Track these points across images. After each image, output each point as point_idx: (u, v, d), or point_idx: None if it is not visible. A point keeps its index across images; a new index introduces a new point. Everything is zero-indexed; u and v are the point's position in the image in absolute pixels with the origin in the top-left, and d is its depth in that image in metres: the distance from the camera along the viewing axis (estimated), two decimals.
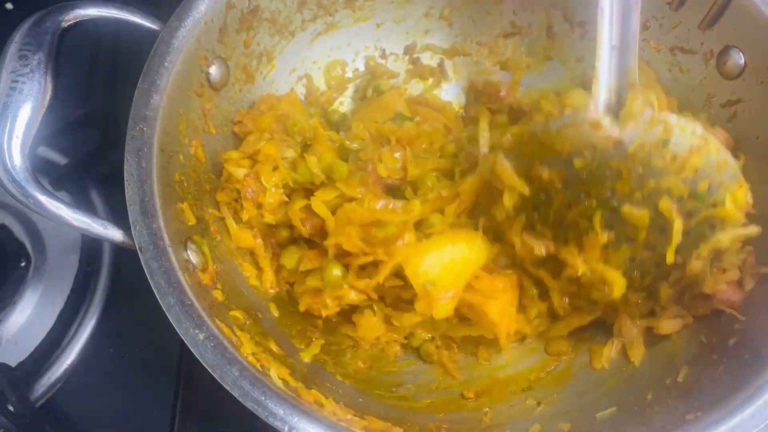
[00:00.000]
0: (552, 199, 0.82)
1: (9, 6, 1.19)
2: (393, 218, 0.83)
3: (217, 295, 0.78)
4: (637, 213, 0.77)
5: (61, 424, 0.88)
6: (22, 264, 0.97)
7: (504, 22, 1.08)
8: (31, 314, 0.93)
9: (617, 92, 0.77)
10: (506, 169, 0.83)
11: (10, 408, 0.80)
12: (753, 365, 0.72)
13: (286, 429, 0.63)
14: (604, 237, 0.80)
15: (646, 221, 0.77)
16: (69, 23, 0.78)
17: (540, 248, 0.85)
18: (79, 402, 0.90)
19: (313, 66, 1.05)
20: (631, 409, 0.80)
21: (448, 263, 0.82)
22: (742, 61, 0.89)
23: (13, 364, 0.88)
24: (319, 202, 0.85)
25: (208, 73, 0.86)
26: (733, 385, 0.71)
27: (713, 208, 0.76)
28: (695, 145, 0.74)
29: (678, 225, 0.76)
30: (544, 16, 1.06)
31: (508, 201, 0.84)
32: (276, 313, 0.89)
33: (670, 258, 0.77)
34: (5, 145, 0.69)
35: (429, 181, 0.88)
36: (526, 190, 0.83)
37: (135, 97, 0.77)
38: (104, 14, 0.81)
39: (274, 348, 0.81)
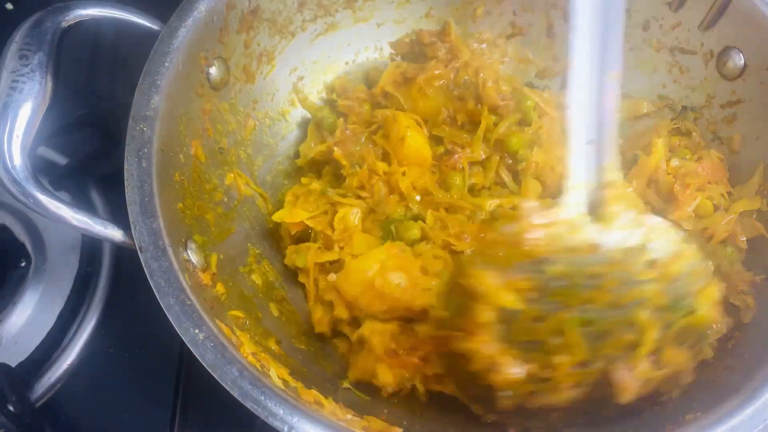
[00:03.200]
0: (520, 314, 0.69)
1: (9, 6, 1.19)
2: None
3: (217, 294, 0.78)
4: (615, 323, 0.68)
5: (61, 424, 0.88)
6: (22, 264, 0.97)
7: (504, 22, 1.09)
8: (31, 314, 0.93)
9: (594, 191, 0.70)
10: (484, 276, 0.68)
11: (10, 408, 0.80)
12: (752, 366, 0.72)
13: (285, 429, 0.63)
14: (581, 353, 0.68)
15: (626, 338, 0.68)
16: (69, 23, 0.78)
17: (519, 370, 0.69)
18: (79, 402, 0.90)
19: (314, 66, 1.05)
20: (632, 409, 0.80)
21: None
22: (742, 61, 0.89)
23: (13, 364, 0.88)
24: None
25: (208, 73, 0.86)
26: (732, 386, 0.71)
27: (690, 316, 0.69)
28: (675, 250, 0.69)
29: (651, 336, 0.68)
30: (544, 16, 1.06)
31: (484, 315, 0.68)
32: (276, 313, 0.89)
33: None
34: (5, 145, 0.69)
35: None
36: (511, 302, 0.68)
37: (135, 97, 0.77)
38: (104, 14, 0.81)
39: (274, 348, 0.81)
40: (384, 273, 0.82)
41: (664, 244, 0.69)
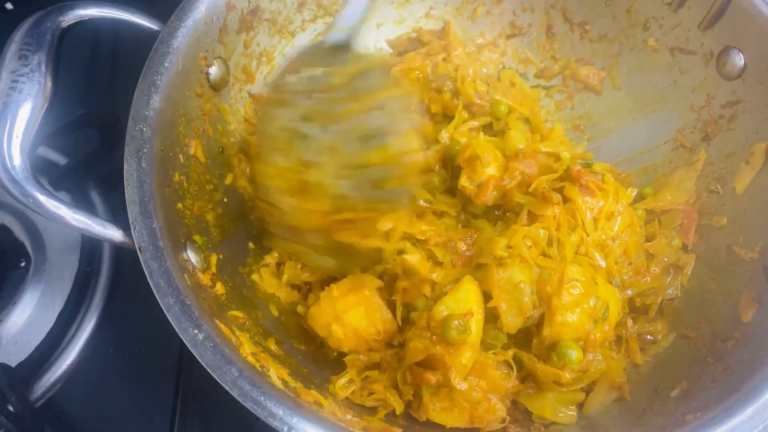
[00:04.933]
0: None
1: (9, 6, 1.19)
2: None
3: (217, 294, 0.78)
4: None
5: (61, 424, 0.88)
6: (22, 264, 0.97)
7: (504, 22, 1.09)
8: (31, 314, 0.93)
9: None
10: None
11: (10, 408, 0.80)
12: (752, 366, 0.72)
13: (285, 429, 0.63)
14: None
15: None
16: (69, 23, 0.78)
17: None
18: (79, 402, 0.90)
19: None
20: (632, 409, 0.80)
21: None
22: (742, 62, 0.89)
23: (13, 364, 0.88)
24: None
25: (208, 73, 0.86)
26: (732, 386, 0.71)
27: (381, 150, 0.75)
28: (386, 85, 0.78)
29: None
30: (544, 16, 1.07)
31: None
32: (276, 313, 0.89)
33: None
34: (5, 145, 0.69)
35: None
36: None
37: (135, 97, 0.77)
38: (104, 14, 0.81)
39: (274, 348, 0.81)
40: (339, 318, 0.82)
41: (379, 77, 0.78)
